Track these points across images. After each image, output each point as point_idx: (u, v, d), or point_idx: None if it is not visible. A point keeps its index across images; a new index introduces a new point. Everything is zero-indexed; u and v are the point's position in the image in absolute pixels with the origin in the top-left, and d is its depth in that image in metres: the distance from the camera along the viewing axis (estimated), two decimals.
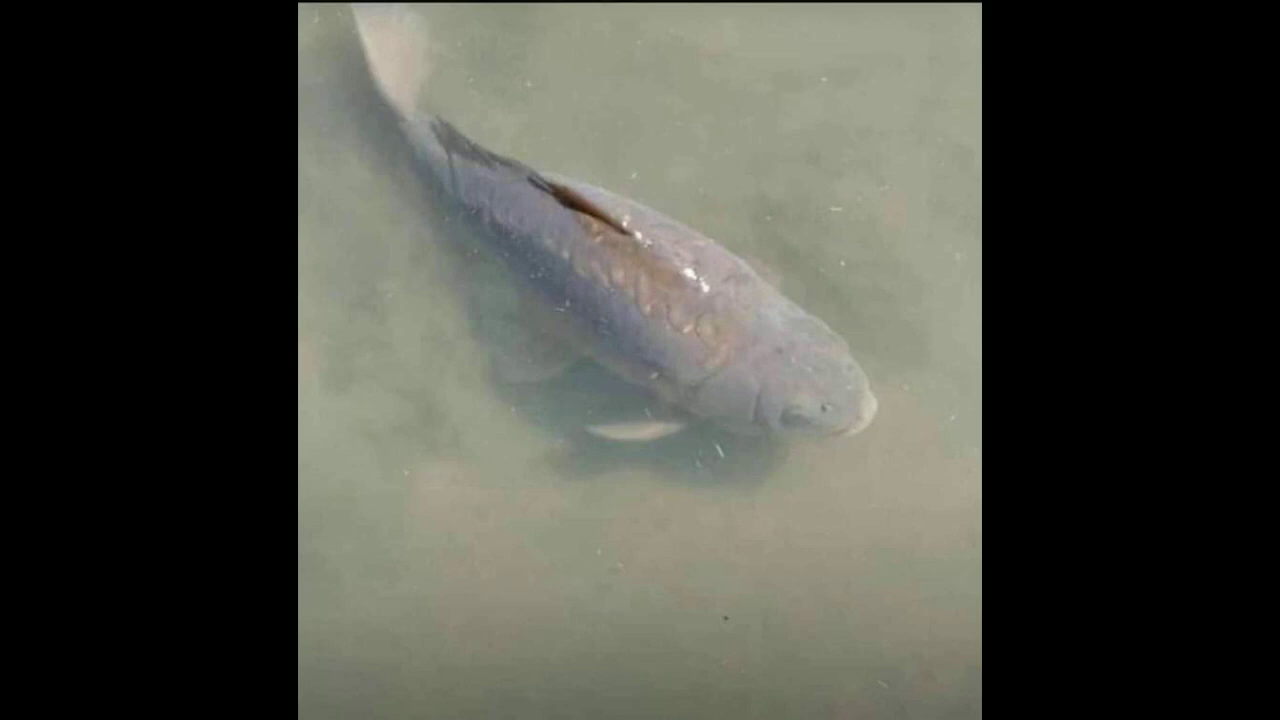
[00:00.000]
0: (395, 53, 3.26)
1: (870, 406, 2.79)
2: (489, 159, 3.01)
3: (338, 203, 3.29)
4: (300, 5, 3.24)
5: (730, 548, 3.00)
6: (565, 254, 2.86)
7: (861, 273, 3.17)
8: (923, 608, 2.92)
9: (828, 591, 2.96)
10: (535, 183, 2.93)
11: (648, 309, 2.79)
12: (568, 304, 2.88)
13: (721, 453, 3.01)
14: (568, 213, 2.88)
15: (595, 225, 2.85)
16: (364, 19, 3.25)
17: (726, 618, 2.93)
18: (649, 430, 2.91)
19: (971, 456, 2.97)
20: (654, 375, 2.84)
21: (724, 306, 2.79)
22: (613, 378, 2.94)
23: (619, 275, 2.80)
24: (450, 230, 3.16)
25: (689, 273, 2.81)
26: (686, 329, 2.78)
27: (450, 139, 3.09)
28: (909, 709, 2.86)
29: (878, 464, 3.03)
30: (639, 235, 2.83)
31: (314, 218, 3.24)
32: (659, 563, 2.99)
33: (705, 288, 2.80)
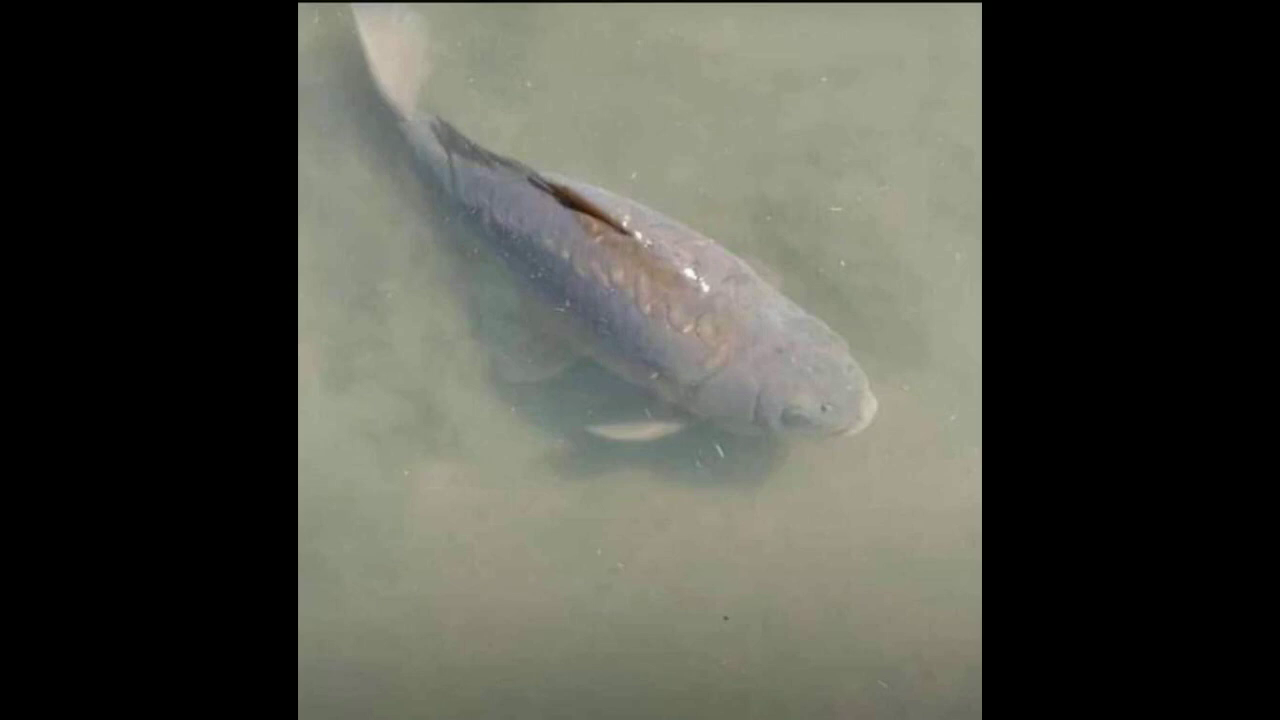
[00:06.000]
0: (395, 53, 3.26)
1: (870, 406, 2.79)
2: (489, 159, 3.01)
3: (338, 203, 3.29)
4: (300, 5, 3.24)
5: (730, 548, 3.00)
6: (565, 254, 2.86)
7: (861, 273, 3.17)
8: (923, 608, 2.92)
9: (828, 591, 2.96)
10: (535, 183, 2.93)
11: (648, 309, 2.79)
12: (568, 304, 2.88)
13: (721, 453, 3.01)
14: (568, 213, 2.88)
15: (595, 225, 2.85)
16: (364, 19, 3.25)
17: (726, 618, 2.93)
18: (649, 430, 2.91)
19: (971, 456, 2.97)
20: (654, 375, 2.84)
21: (724, 306, 2.79)
22: (613, 378, 2.94)
23: (619, 275, 2.80)
24: (450, 230, 3.16)
25: (689, 273, 2.81)
26: (686, 329, 2.78)
27: (450, 139, 3.09)
28: (909, 709, 2.86)
29: (878, 464, 3.03)
30: (639, 235, 2.83)
31: (314, 218, 3.24)
32: (659, 563, 2.99)
33: (705, 288, 2.80)
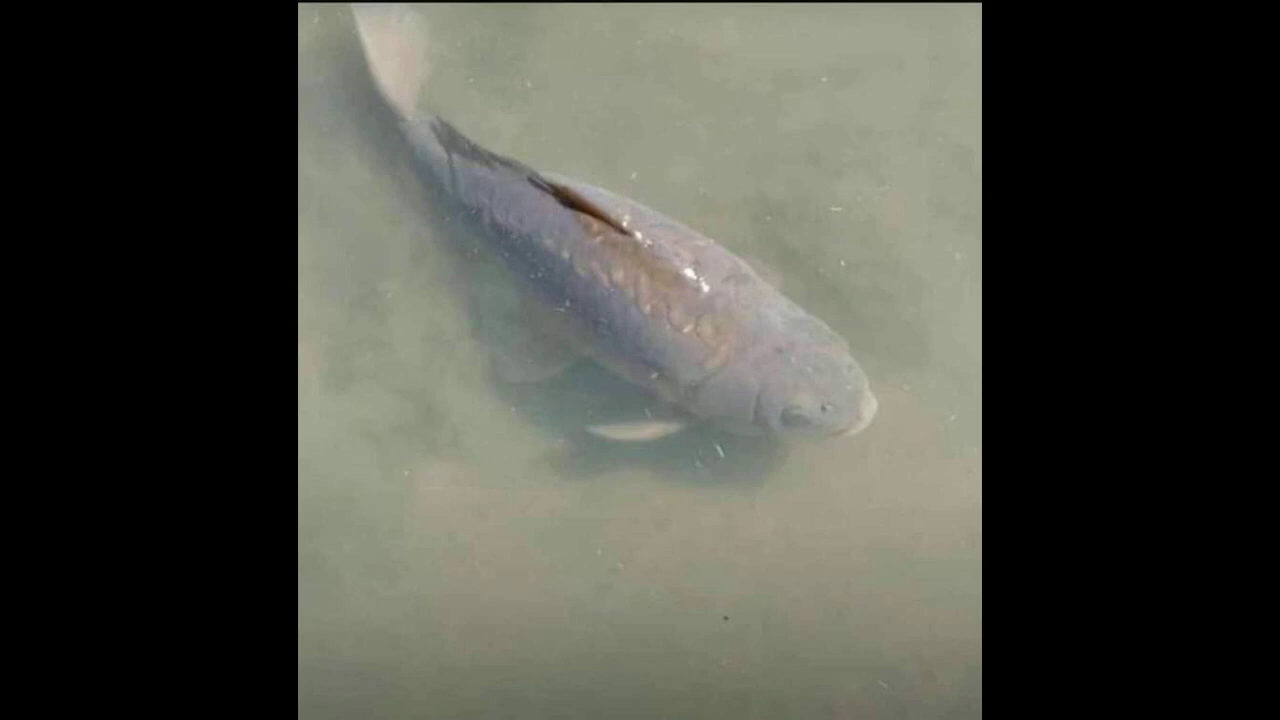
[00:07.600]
0: (395, 53, 3.26)
1: (870, 406, 2.79)
2: (489, 159, 3.01)
3: (338, 203, 3.29)
4: (300, 5, 3.24)
5: (730, 548, 3.00)
6: (565, 254, 2.86)
7: (861, 273, 3.17)
8: (923, 608, 2.92)
9: (828, 591, 2.96)
10: (535, 183, 2.93)
11: (648, 309, 2.79)
12: (568, 304, 2.88)
13: (721, 453, 3.01)
14: (568, 213, 2.88)
15: (595, 225, 2.85)
16: (364, 19, 3.25)
17: (726, 618, 2.93)
18: (649, 430, 2.91)
19: (971, 456, 2.97)
20: (654, 375, 2.84)
21: (724, 306, 2.79)
22: (613, 378, 2.94)
23: (619, 275, 2.80)
24: (450, 230, 3.16)
25: (689, 273, 2.81)
26: (686, 329, 2.78)
27: (450, 139, 3.09)
28: (909, 709, 2.86)
29: (878, 464, 3.03)
30: (639, 235, 2.83)
31: (314, 218, 3.24)
32: (659, 563, 2.99)
33: (705, 288, 2.80)
